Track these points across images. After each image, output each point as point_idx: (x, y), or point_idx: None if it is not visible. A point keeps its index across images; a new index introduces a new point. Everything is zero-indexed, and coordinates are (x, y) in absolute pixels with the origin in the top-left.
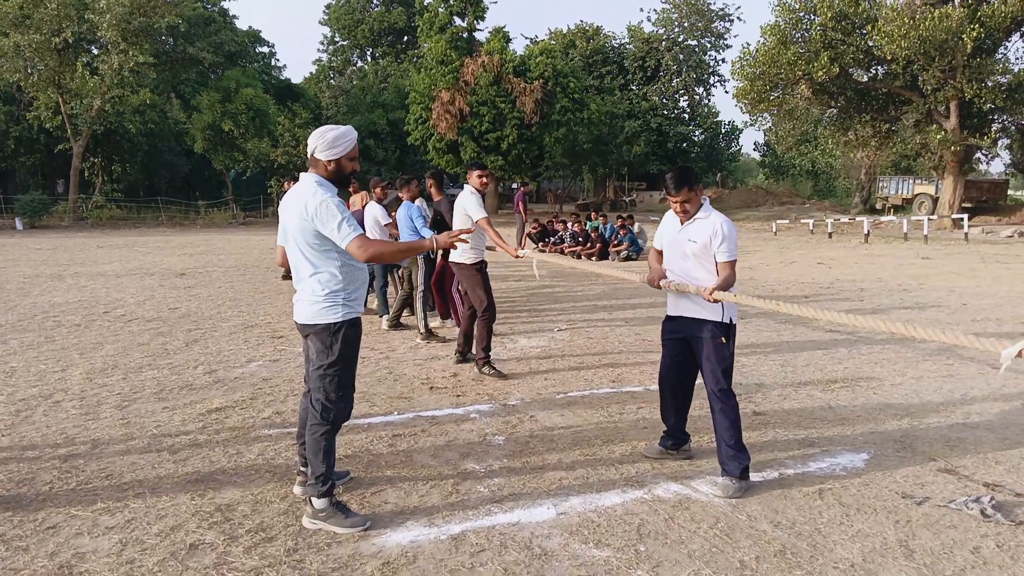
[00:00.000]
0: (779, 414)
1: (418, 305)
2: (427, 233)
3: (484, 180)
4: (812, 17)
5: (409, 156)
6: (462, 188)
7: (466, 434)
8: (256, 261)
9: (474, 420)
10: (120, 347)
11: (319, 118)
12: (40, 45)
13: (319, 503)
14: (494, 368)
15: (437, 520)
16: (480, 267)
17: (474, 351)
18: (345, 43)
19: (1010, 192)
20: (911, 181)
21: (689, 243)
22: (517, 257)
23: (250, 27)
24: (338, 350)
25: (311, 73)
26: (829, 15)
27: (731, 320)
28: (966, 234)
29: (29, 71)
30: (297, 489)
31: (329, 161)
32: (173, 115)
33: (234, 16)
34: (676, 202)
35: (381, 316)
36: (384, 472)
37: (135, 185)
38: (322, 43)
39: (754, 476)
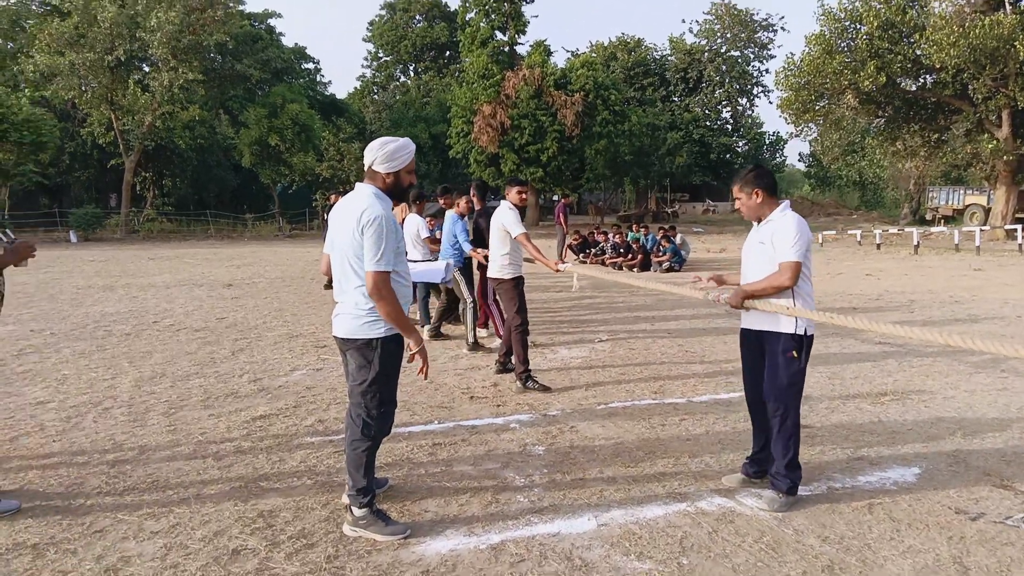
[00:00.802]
0: (827, 427)
1: (468, 317)
2: (467, 247)
3: (523, 196)
4: (858, 26)
5: (451, 169)
6: (501, 201)
7: (506, 444)
8: (301, 272)
9: (514, 430)
10: (168, 356)
11: (363, 132)
12: (94, 63)
13: (359, 511)
14: (537, 382)
15: (476, 529)
16: (517, 283)
17: (514, 367)
18: (388, 59)
19: None
20: (962, 191)
21: (759, 246)
22: (557, 271)
23: (296, 44)
24: (379, 365)
25: (355, 88)
26: (875, 24)
27: (805, 331)
28: (1020, 245)
29: (83, 88)
30: (345, 498)
31: (388, 173)
32: (222, 130)
33: (280, 33)
34: (740, 200)
35: (422, 326)
36: (424, 481)
37: (185, 199)
38: (366, 59)
39: (802, 490)
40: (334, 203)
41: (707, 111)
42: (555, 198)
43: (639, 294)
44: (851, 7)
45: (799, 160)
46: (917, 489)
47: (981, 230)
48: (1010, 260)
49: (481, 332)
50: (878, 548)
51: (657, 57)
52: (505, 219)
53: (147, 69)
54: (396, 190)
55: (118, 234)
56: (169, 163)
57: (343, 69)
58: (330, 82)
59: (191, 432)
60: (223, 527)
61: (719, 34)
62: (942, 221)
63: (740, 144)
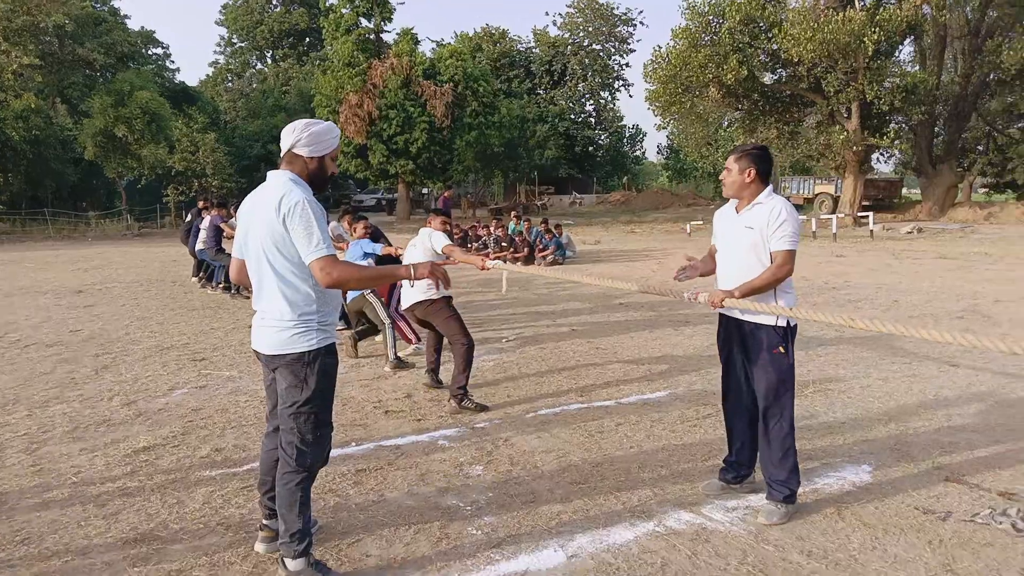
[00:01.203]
0: None
1: (388, 338)
2: (378, 248)
3: (447, 227)
4: (720, 21)
5: None
6: (372, 192)
7: (439, 465)
8: (159, 275)
9: (444, 448)
10: (19, 378)
11: (217, 122)
12: None
13: (295, 564)
14: (473, 400)
15: (432, 575)
16: (448, 300)
17: (450, 387)
18: (243, 45)
19: (903, 190)
20: (811, 181)
21: (746, 231)
22: (485, 269)
23: (143, 27)
24: (314, 383)
25: (207, 76)
26: (737, 19)
27: (788, 322)
28: (871, 231)
29: None
30: (259, 547)
31: (312, 158)
32: (59, 121)
33: (126, 16)
34: (726, 174)
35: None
36: (356, 516)
37: (18, 196)
38: (219, 45)
39: (762, 497)
40: (202, 209)
41: (571, 104)
42: (425, 191)
43: (529, 287)
44: (714, 2)
45: (657, 152)
46: (876, 489)
47: (836, 217)
48: (865, 246)
49: (408, 348)
50: (866, 561)
51: (522, 49)
52: (435, 237)
53: None
54: (319, 178)
55: None
56: (0, 157)
57: (194, 55)
58: (179, 69)
59: (62, 472)
60: None
61: (581, 27)
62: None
63: (602, 137)
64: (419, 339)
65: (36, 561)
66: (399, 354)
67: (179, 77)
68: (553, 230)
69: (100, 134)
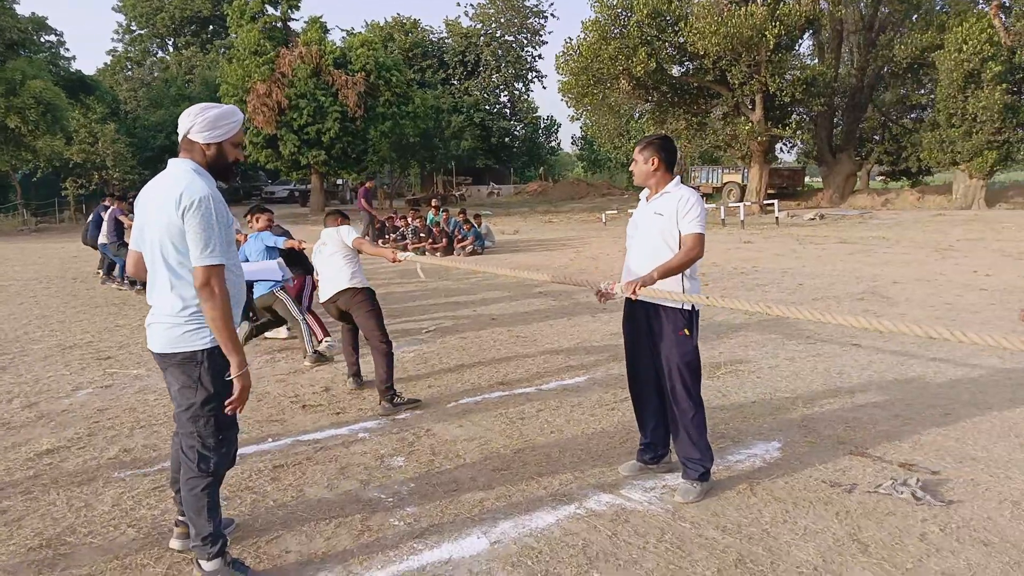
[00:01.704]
0: None
1: (304, 333)
2: (281, 241)
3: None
4: (629, 14)
5: None
6: (285, 184)
7: (359, 458)
8: (59, 272)
9: (364, 440)
10: None
11: (117, 112)
12: None
13: (211, 566)
14: (405, 398)
15: (354, 567)
16: (372, 293)
17: (378, 388)
18: (143, 32)
19: (806, 178)
20: (719, 170)
21: (656, 216)
22: (396, 261)
23: (33, 13)
24: (209, 383)
25: (106, 64)
26: (645, 12)
27: (693, 307)
28: (777, 218)
29: None
30: (175, 543)
31: (209, 145)
32: None
33: (15, 1)
34: (636, 163)
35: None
36: (275, 513)
37: None
38: (117, 32)
39: (679, 476)
40: (108, 206)
41: (486, 95)
42: (339, 182)
43: (446, 278)
44: None
45: (572, 143)
46: (785, 464)
47: (744, 205)
48: (771, 232)
49: (327, 342)
50: (777, 534)
51: (434, 40)
52: (341, 231)
53: None
54: (219, 166)
55: None
56: None
57: (90, 43)
58: (75, 57)
59: None
60: None
61: (493, 18)
62: (704, 199)
63: (517, 128)
64: (328, 333)
65: None
66: (317, 348)
67: (75, 66)
68: (472, 220)
69: None
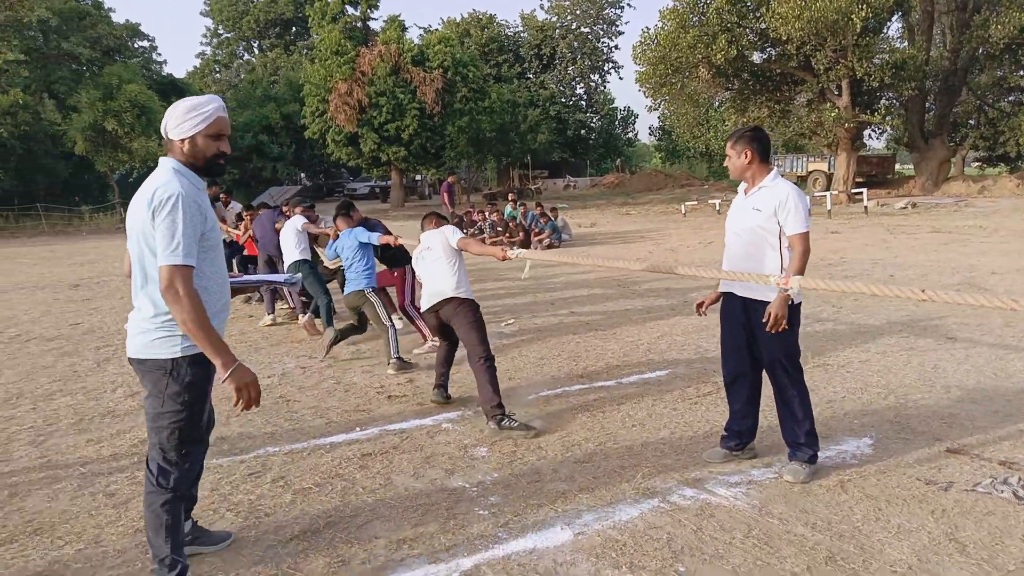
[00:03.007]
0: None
1: (391, 341)
2: (375, 237)
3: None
4: (709, 1)
5: (306, 150)
6: (365, 181)
7: (444, 448)
8: None
9: (447, 431)
10: (22, 372)
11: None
12: None
13: None
14: (515, 422)
15: (441, 554)
16: (476, 305)
17: (484, 408)
18: (230, 35)
19: (897, 166)
20: (804, 159)
21: (753, 212)
22: (506, 259)
23: (127, 20)
24: (178, 394)
25: (195, 67)
26: None
27: (793, 300)
28: (865, 207)
29: None
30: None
31: (183, 140)
32: (47, 116)
33: (110, 9)
34: (729, 158)
35: (323, 329)
36: (364, 500)
37: (9, 192)
38: (205, 36)
39: (765, 472)
40: (225, 203)
41: (562, 88)
42: (418, 178)
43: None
44: None
45: (649, 134)
46: (878, 461)
47: (830, 195)
48: (859, 222)
49: (432, 341)
50: (869, 531)
51: (510, 34)
52: (444, 232)
53: None
54: (199, 161)
55: None
56: None
57: (180, 47)
58: (166, 61)
59: (69, 463)
60: None
61: (569, 10)
62: None
63: (594, 120)
64: (434, 336)
65: (49, 551)
66: (401, 355)
67: (166, 69)
68: (549, 214)
69: (89, 128)
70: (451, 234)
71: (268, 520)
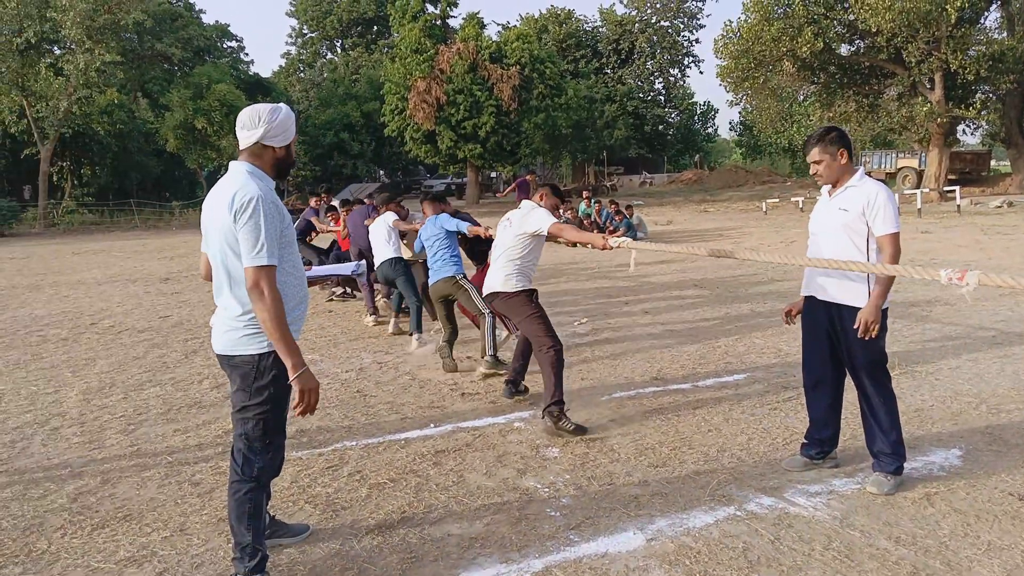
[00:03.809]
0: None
1: (488, 330)
2: (465, 227)
3: (556, 205)
4: None
5: (385, 148)
6: (442, 178)
7: (516, 447)
8: None
9: (520, 430)
10: (114, 362)
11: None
12: (1, 47)
13: None
14: (572, 422)
15: (512, 554)
16: (531, 295)
17: (544, 402)
18: (314, 35)
19: (992, 162)
20: (894, 155)
21: (840, 212)
22: (608, 248)
23: (217, 21)
24: (264, 387)
25: (280, 67)
26: None
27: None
28: (958, 206)
29: None
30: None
31: (280, 147)
32: (140, 115)
33: (201, 10)
34: (815, 162)
35: (412, 334)
36: (437, 497)
37: (105, 188)
38: (290, 35)
39: (848, 483)
40: (317, 206)
41: (640, 83)
42: (493, 175)
43: (598, 274)
44: None
45: (730, 129)
46: (967, 474)
47: (921, 192)
48: (952, 221)
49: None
50: (956, 548)
51: (588, 29)
52: (534, 214)
53: (59, 51)
54: (287, 165)
55: (36, 228)
56: (87, 151)
57: (267, 46)
58: (253, 61)
59: (158, 452)
60: (220, 570)
61: (649, 4)
62: None
63: (673, 115)
64: (513, 332)
65: (137, 537)
66: (498, 354)
67: (253, 69)
68: (624, 211)
69: (180, 127)
70: (540, 219)
71: (344, 513)
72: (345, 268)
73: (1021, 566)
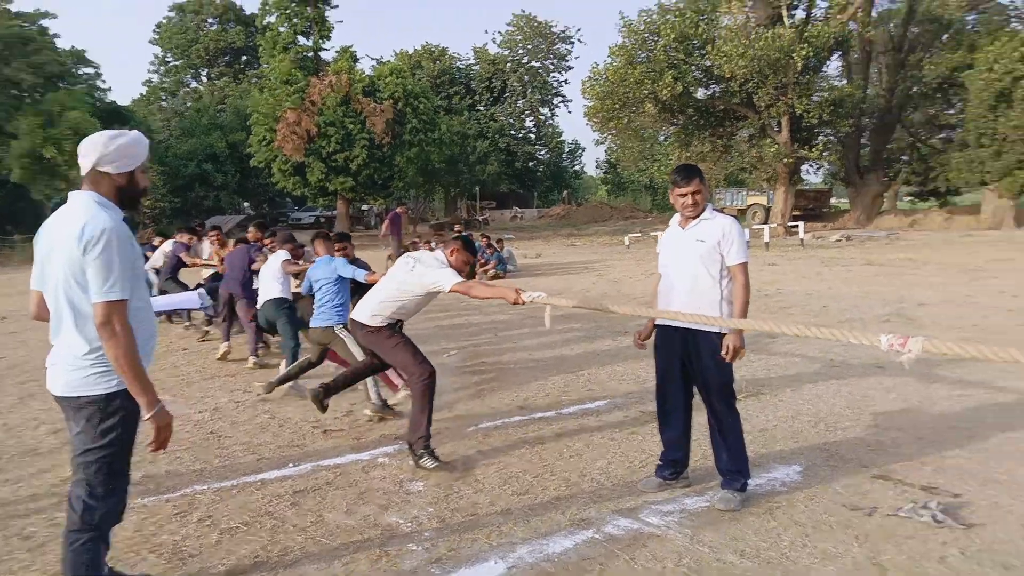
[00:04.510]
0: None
1: (370, 380)
2: (361, 276)
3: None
4: (656, 38)
5: (251, 179)
6: (310, 210)
7: (379, 483)
8: None
9: (384, 466)
10: None
11: (150, 142)
12: None
13: None
14: (435, 459)
15: None
16: (393, 326)
17: (408, 434)
18: (178, 63)
19: (832, 200)
20: (744, 192)
21: (697, 243)
22: (520, 303)
23: (73, 47)
24: (111, 430)
25: (140, 95)
26: (672, 36)
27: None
28: (802, 240)
29: None
30: None
31: (121, 174)
32: None
33: (55, 35)
34: (686, 194)
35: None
36: (294, 539)
37: None
38: (152, 63)
39: (698, 500)
40: (190, 243)
41: (512, 120)
42: (364, 207)
43: (466, 301)
44: (650, 20)
45: (596, 167)
46: (806, 488)
47: (768, 227)
48: (796, 254)
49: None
50: (796, 557)
51: (462, 66)
52: (437, 272)
53: None
54: (132, 195)
55: None
56: None
57: (127, 74)
58: (111, 89)
59: None
60: None
61: (520, 45)
62: None
63: (542, 152)
64: (399, 386)
65: None
66: (384, 398)
67: (111, 97)
68: (495, 244)
69: (27, 156)
70: (440, 277)
71: (192, 561)
72: (189, 301)
73: (852, 571)
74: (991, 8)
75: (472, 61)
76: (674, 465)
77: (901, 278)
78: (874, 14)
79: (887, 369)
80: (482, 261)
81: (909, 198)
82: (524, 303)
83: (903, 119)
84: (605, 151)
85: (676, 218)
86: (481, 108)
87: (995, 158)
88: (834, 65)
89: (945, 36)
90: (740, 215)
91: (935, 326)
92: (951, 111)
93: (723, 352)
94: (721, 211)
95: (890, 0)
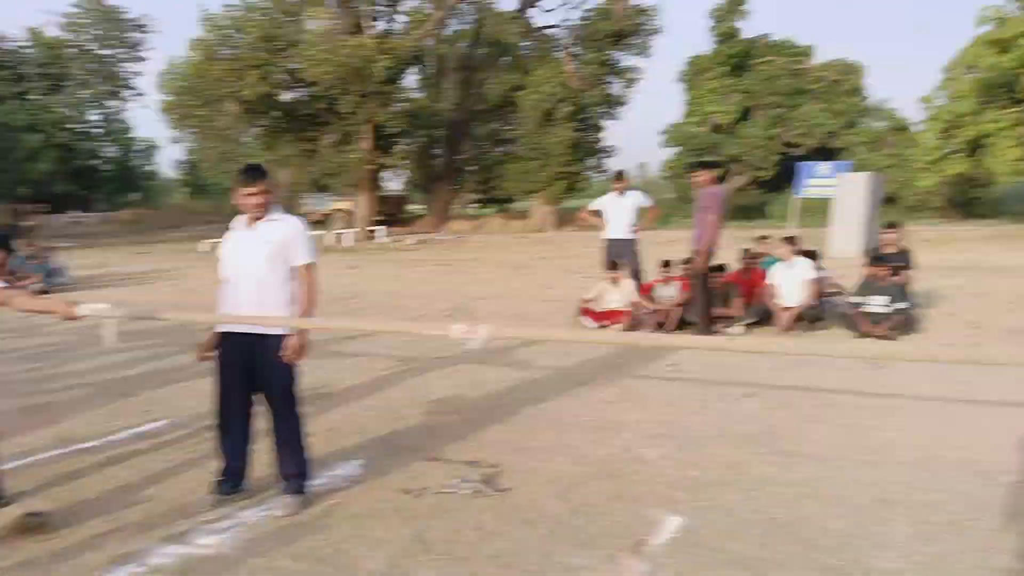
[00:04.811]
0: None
1: None
2: None
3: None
4: (240, 35)
5: None
6: None
7: None
8: None
9: None
10: None
11: None
12: None
13: None
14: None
15: None
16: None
17: None
18: None
19: (410, 205)
20: (328, 197)
21: (264, 244)
22: (75, 318)
23: None
24: None
25: None
26: (256, 35)
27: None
28: (382, 243)
29: None
30: None
31: None
32: None
33: None
34: (254, 194)
35: None
36: None
37: None
38: None
39: (257, 512)
40: None
41: (72, 112)
42: None
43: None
44: (234, 16)
45: (176, 167)
46: (366, 480)
47: (353, 231)
48: (376, 256)
49: None
50: (348, 548)
51: (11, 48)
52: None
53: None
54: None
55: None
56: None
57: None
58: None
59: None
60: None
61: (86, 29)
62: (314, 226)
63: (109, 150)
64: None
65: None
66: None
67: None
68: (40, 254)
69: None
70: None
71: None
72: None
73: (400, 552)
74: (540, 37)
75: (26, 43)
76: (234, 477)
77: (466, 276)
78: (448, 32)
79: (447, 359)
80: (23, 274)
81: (474, 204)
82: (78, 317)
83: (471, 132)
84: (185, 151)
85: (241, 219)
86: (34, 97)
87: (541, 169)
88: (412, 78)
89: (505, 59)
90: (325, 219)
91: (489, 315)
92: (509, 127)
93: (284, 352)
94: (302, 216)
95: (460, 21)
